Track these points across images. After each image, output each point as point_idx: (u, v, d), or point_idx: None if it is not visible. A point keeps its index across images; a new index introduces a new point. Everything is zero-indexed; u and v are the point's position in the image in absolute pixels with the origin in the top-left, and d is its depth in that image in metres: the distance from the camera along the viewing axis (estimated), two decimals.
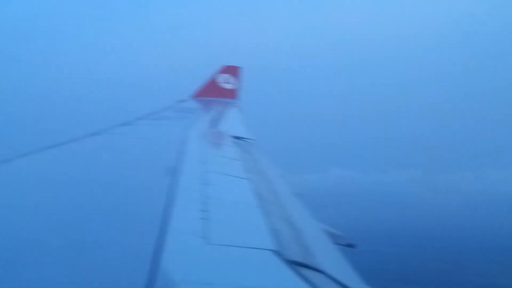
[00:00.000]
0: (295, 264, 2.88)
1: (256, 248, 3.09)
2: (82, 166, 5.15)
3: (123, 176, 4.84)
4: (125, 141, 7.21)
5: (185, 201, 3.88)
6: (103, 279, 2.37)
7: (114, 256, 2.67)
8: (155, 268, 2.43)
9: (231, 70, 18.13)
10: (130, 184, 4.47)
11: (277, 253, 3.00)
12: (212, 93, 17.20)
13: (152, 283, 2.27)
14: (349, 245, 5.44)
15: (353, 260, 3.72)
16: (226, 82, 17.76)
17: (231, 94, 17.51)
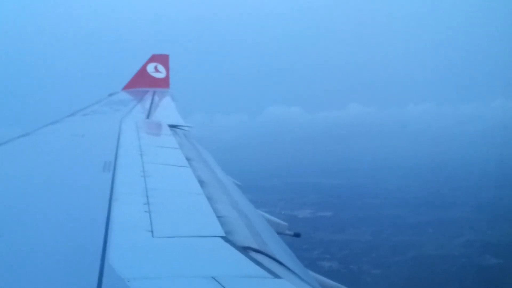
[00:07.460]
0: (247, 250, 2.86)
1: (206, 236, 3.04)
2: (16, 170, 4.92)
3: (60, 174, 4.66)
4: (57, 139, 6.96)
5: (127, 195, 3.77)
6: (51, 279, 2.29)
7: (61, 256, 2.58)
8: (102, 266, 2.35)
9: (160, 59, 17.91)
10: (69, 183, 4.31)
11: (228, 239, 2.96)
12: (143, 83, 16.93)
13: (100, 282, 2.20)
14: (296, 235, 5.41)
15: None
16: (155, 71, 17.54)
17: (162, 82, 17.30)
